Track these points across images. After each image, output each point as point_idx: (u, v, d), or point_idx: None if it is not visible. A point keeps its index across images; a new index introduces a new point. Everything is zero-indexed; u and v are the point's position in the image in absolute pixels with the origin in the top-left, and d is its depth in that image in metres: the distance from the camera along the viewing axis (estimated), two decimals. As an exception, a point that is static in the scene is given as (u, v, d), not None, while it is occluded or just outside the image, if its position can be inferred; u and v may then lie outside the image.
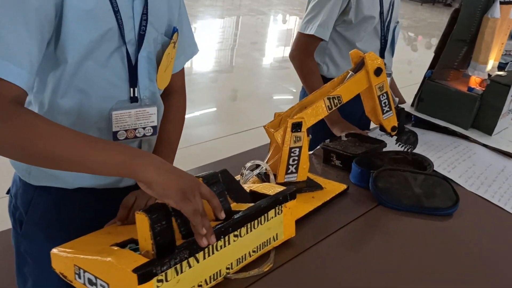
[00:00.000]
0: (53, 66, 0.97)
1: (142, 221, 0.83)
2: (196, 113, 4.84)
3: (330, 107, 1.31)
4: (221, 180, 0.98)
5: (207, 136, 4.20)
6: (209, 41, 8.10)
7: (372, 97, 1.40)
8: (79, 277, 0.89)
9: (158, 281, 0.81)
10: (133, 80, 1.04)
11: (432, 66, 1.92)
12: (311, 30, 1.80)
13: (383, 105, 1.41)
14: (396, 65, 2.07)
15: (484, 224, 1.32)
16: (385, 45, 1.94)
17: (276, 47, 8.41)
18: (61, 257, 0.91)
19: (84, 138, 0.84)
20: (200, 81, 6.00)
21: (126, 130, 1.06)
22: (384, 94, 1.40)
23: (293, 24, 11.09)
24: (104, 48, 0.99)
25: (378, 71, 1.35)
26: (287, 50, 8.27)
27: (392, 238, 1.19)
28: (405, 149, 1.55)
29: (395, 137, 1.53)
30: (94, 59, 0.98)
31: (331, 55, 1.93)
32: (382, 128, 1.49)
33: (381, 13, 1.87)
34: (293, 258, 1.05)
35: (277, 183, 1.27)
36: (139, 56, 1.04)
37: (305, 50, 1.87)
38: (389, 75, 1.96)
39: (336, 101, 1.32)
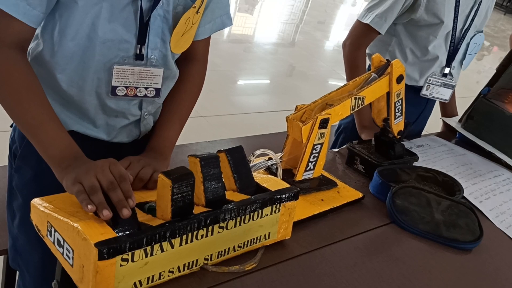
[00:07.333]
0: (64, 4, 0.93)
1: (164, 186, 0.81)
2: (248, 81, 4.76)
3: (353, 107, 1.25)
4: (219, 164, 0.91)
5: (256, 106, 4.12)
6: (275, 13, 7.96)
7: (383, 100, 1.40)
8: (50, 235, 0.85)
9: (123, 259, 0.76)
10: (141, 37, 0.99)
11: (491, 83, 1.76)
12: (368, 19, 1.63)
13: (397, 110, 1.40)
14: (463, 72, 1.87)
15: (506, 269, 1.19)
16: (454, 54, 1.74)
17: (341, 31, 8.17)
18: (38, 210, 0.87)
19: (43, 114, 0.93)
20: (256, 50, 5.90)
21: (126, 87, 1.03)
22: (400, 101, 1.39)
23: (365, 10, 10.68)
24: None
25: (399, 79, 1.35)
26: (352, 36, 8.02)
27: (398, 263, 1.08)
28: None
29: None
30: (106, 7, 0.92)
31: (394, 54, 1.74)
32: (382, 132, 1.44)
33: (455, 17, 1.69)
34: (281, 262, 0.97)
35: (294, 181, 1.20)
36: (153, 13, 0.99)
37: (357, 40, 1.70)
38: (452, 87, 1.80)
39: (360, 102, 1.26)
